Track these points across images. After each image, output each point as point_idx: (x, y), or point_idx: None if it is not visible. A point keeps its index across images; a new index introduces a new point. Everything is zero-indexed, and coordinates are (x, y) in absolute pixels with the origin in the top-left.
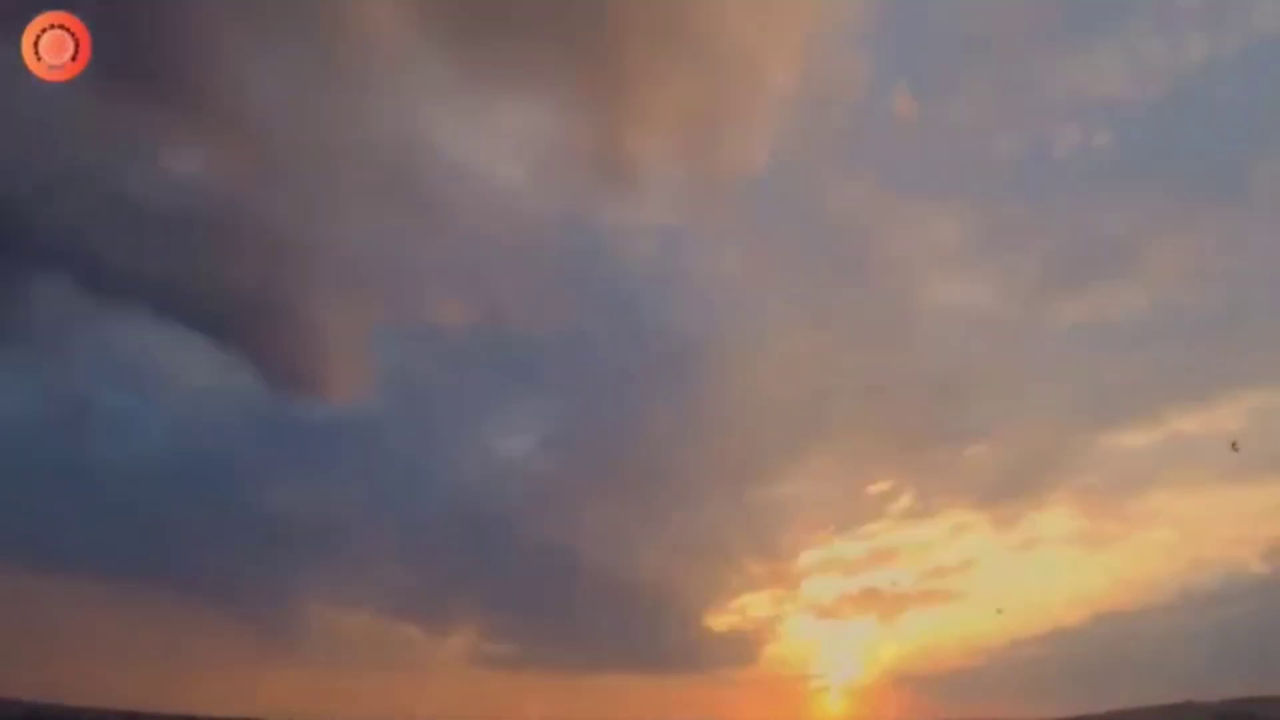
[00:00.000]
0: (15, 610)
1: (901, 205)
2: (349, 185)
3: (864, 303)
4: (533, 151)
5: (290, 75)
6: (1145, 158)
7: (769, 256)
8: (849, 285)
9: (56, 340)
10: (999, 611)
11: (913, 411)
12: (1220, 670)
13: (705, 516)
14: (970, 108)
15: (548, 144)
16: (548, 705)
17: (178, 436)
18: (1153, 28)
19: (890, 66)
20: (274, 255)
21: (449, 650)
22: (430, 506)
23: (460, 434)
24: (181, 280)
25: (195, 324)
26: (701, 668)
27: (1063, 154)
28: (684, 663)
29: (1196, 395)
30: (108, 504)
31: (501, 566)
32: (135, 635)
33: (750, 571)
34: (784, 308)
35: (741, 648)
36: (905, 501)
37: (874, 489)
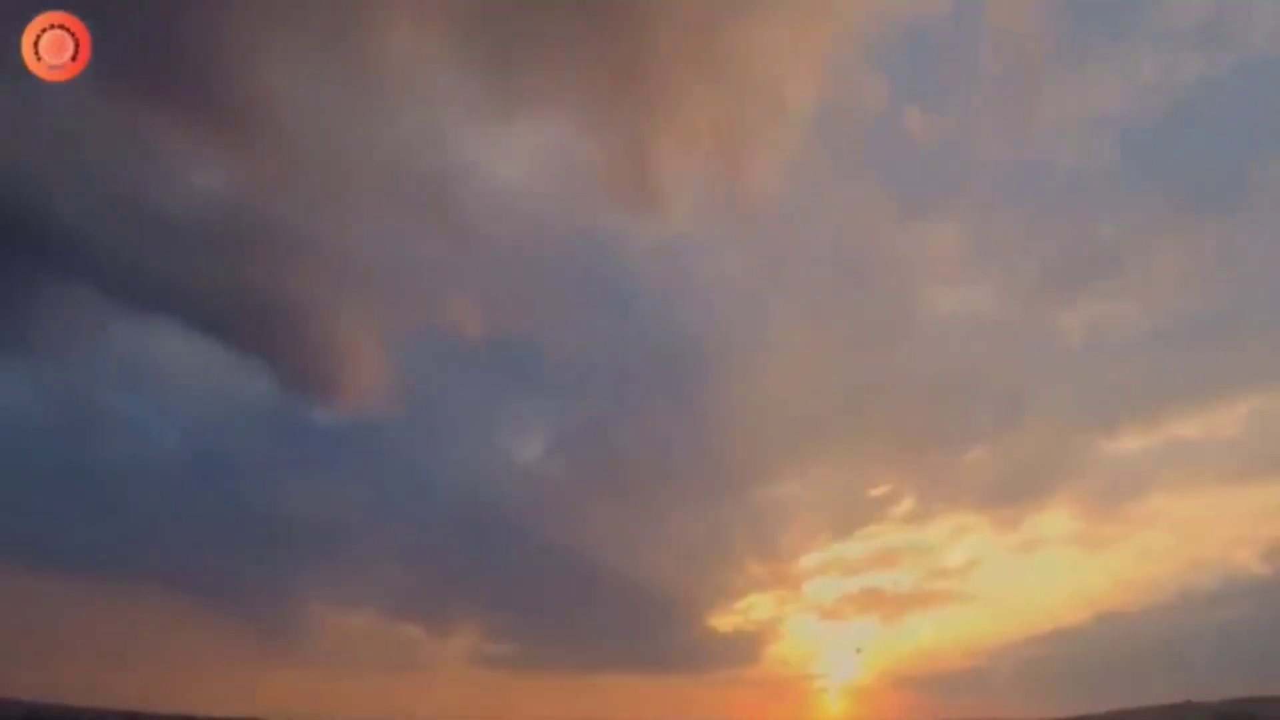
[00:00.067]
0: (15, 610)
1: (904, 213)
2: (371, 196)
3: (866, 308)
4: (552, 165)
5: (314, 87)
6: (1142, 168)
7: (773, 263)
8: (851, 291)
9: (74, 345)
10: (858, 651)
11: (913, 415)
12: (1220, 670)
13: (708, 518)
14: (973, 122)
15: (567, 159)
16: (550, 705)
17: (187, 438)
18: (1150, 47)
19: (900, 84)
20: (293, 262)
21: (452, 650)
22: (435, 507)
23: (466, 436)
24: (200, 286)
25: (211, 329)
26: (704, 668)
27: (1062, 165)
28: (686, 663)
29: (1195, 399)
30: (113, 505)
31: (505, 567)
32: (135, 635)
33: (752, 572)
34: (787, 312)
35: (744, 648)
36: (906, 504)
37: (875, 492)
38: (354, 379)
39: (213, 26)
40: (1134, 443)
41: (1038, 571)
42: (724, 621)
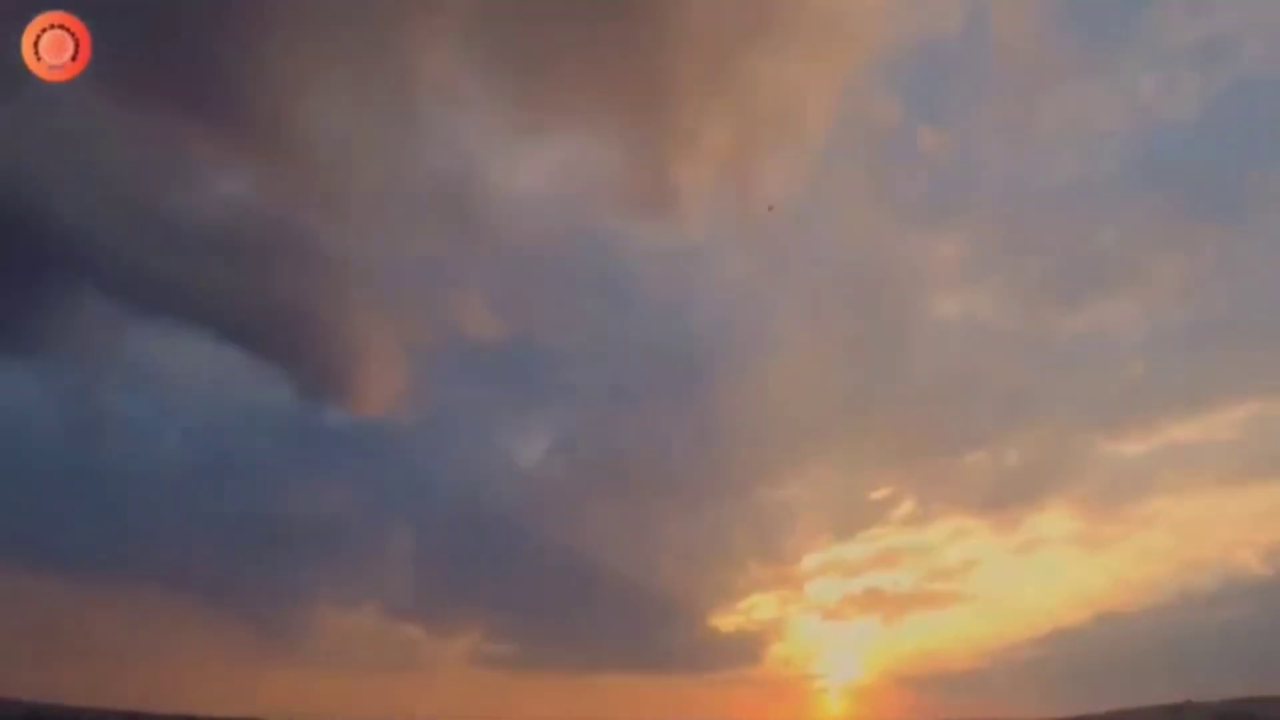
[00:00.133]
0: (15, 610)
1: (908, 222)
2: (391, 204)
3: (868, 313)
4: (569, 176)
5: (338, 98)
6: (1142, 179)
7: (777, 268)
8: (853, 296)
9: (92, 350)
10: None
11: (914, 418)
12: (1220, 670)
13: (711, 520)
14: (979, 136)
15: (585, 170)
16: (553, 705)
17: (193, 440)
18: (1148, 64)
19: (911, 102)
20: (310, 270)
21: (453, 650)
22: (440, 509)
23: (473, 440)
24: (219, 292)
25: (231, 336)
26: (706, 668)
27: (1063, 175)
28: (689, 663)
29: (1193, 403)
30: (120, 507)
31: (507, 567)
32: (135, 635)
33: (755, 573)
34: (790, 318)
35: (746, 648)
36: (907, 506)
37: (876, 495)
38: (366, 384)
39: (241, 39)
40: (1133, 446)
41: (1038, 572)
42: (726, 622)
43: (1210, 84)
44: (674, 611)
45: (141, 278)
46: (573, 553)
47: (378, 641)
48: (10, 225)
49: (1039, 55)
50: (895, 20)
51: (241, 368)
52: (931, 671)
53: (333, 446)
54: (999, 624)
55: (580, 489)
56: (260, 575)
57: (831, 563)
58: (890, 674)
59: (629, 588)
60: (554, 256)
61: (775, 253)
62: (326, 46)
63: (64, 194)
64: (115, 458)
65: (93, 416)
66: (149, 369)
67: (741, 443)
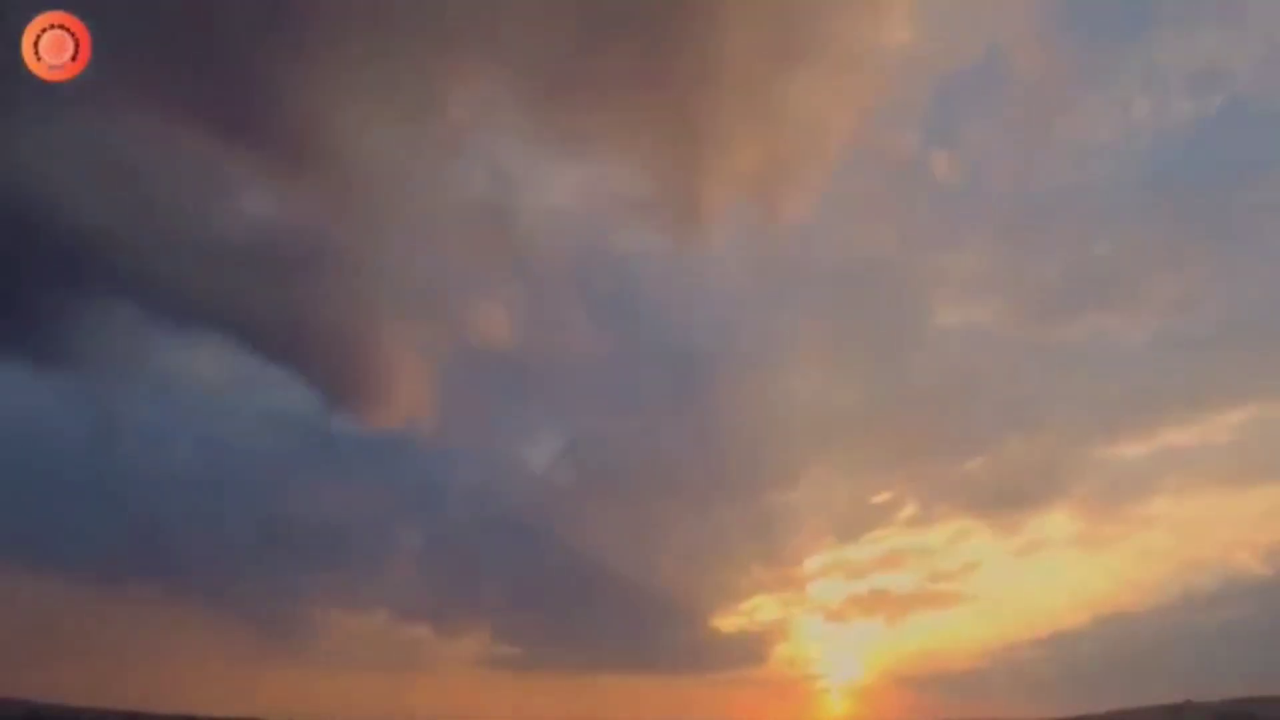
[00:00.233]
0: (15, 610)
1: (915, 238)
2: (420, 221)
3: (873, 322)
4: (594, 193)
5: (367, 114)
6: (1140, 194)
7: (784, 279)
8: (859, 306)
9: (117, 362)
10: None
11: (917, 424)
12: (1220, 670)
13: (716, 523)
14: (988, 159)
15: (609, 188)
16: (558, 705)
17: (207, 447)
18: (1146, 86)
19: (927, 128)
20: (338, 283)
21: (458, 651)
22: (453, 514)
23: (483, 444)
24: (247, 305)
25: (255, 345)
26: (710, 668)
27: (1066, 191)
28: (693, 663)
29: (1190, 408)
30: (129, 511)
31: (515, 569)
32: (136, 635)
33: (758, 575)
34: (796, 326)
35: (750, 649)
36: (909, 509)
37: (878, 499)
38: (387, 393)
39: (275, 58)
40: (1132, 450)
41: (1039, 573)
42: (729, 623)
43: (1204, 106)
44: (678, 613)
45: (169, 288)
46: (580, 555)
47: (384, 642)
48: (40, 235)
49: (1049, 82)
50: (917, 51)
51: (266, 377)
52: (933, 672)
53: (346, 452)
54: (1000, 625)
55: (588, 493)
56: (268, 577)
57: (834, 564)
58: (892, 674)
59: (635, 590)
60: (575, 270)
61: (784, 266)
62: (356, 65)
63: (92, 204)
64: (132, 464)
65: (114, 424)
66: (171, 377)
67: (748, 447)
